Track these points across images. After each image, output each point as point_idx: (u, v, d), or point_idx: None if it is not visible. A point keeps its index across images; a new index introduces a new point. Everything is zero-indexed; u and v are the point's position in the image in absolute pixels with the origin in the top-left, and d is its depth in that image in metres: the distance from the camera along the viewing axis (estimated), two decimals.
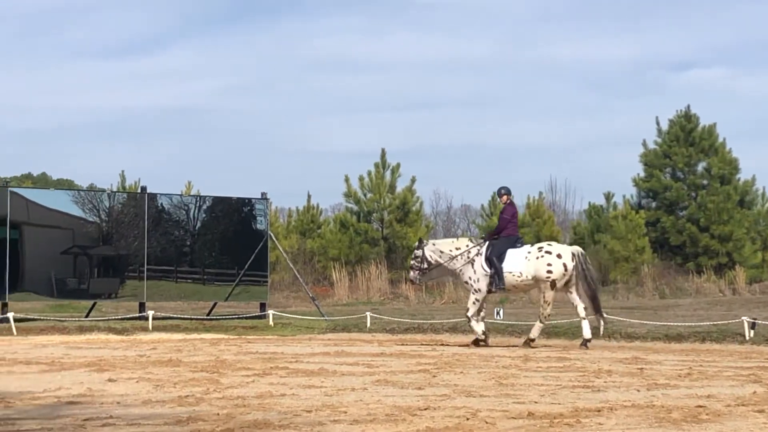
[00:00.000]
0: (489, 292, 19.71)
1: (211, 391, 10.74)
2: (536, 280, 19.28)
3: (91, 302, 26.91)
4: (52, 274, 25.46)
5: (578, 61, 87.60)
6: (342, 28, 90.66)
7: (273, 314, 27.03)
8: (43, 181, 61.36)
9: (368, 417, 8.68)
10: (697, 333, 20.26)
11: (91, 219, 26.17)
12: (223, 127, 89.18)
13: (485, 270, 19.43)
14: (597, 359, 15.63)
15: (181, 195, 30.49)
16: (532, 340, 19.07)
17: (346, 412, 8.99)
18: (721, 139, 42.45)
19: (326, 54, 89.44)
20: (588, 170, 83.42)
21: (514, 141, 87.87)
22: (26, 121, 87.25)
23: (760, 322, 19.82)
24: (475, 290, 19.57)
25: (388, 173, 42.42)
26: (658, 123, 43.20)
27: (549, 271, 19.04)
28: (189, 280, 27.48)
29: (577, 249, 19.76)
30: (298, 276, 32.01)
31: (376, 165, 42.47)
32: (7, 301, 24.71)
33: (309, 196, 45.23)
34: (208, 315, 27.34)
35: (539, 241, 31.08)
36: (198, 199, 28.75)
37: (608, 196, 44.09)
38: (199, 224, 27.72)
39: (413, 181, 42.53)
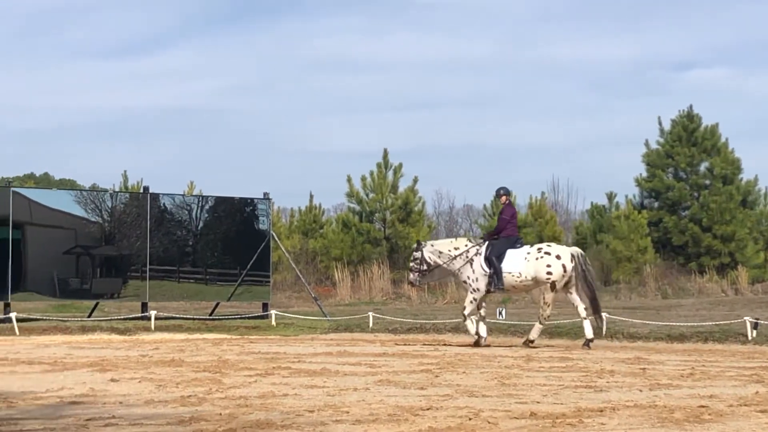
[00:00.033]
0: (488, 292, 19.73)
1: (214, 391, 10.75)
2: (536, 281, 19.30)
3: (94, 302, 26.91)
4: (55, 274, 25.47)
5: (580, 61, 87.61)
6: (343, 28, 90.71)
7: (275, 314, 27.03)
8: (45, 181, 61.38)
9: (370, 417, 8.68)
10: (700, 333, 20.26)
11: (93, 219, 26.18)
12: (226, 127, 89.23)
13: (484, 270, 19.45)
14: (599, 359, 15.63)
15: (183, 195, 30.49)
16: (532, 341, 19.07)
17: (348, 412, 9.00)
18: (723, 139, 42.45)
19: (328, 54, 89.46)
20: (590, 170, 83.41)
21: (517, 141, 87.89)
22: (29, 121, 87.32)
23: (762, 322, 19.81)
24: (473, 290, 19.61)
25: (390, 173, 42.43)
26: (660, 123, 43.22)
27: (549, 273, 19.05)
28: (191, 280, 27.48)
29: (576, 250, 19.78)
30: (301, 276, 32.01)
31: (379, 165, 42.47)
32: (9, 301, 24.71)
33: (311, 196, 45.25)
34: (210, 315, 27.34)
35: (542, 241, 31.08)
36: (200, 199, 28.75)
37: (610, 196, 44.09)
38: (201, 224, 27.72)
39: (415, 181, 42.58)
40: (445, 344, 19.98)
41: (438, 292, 35.66)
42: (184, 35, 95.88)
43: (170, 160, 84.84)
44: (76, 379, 12.23)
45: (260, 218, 28.43)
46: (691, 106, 42.71)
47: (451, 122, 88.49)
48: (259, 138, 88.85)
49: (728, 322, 21.02)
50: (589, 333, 19.01)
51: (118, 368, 13.87)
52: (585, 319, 19.14)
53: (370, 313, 25.49)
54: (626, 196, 43.49)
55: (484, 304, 19.96)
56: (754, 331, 19.43)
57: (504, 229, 19.85)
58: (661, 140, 43.01)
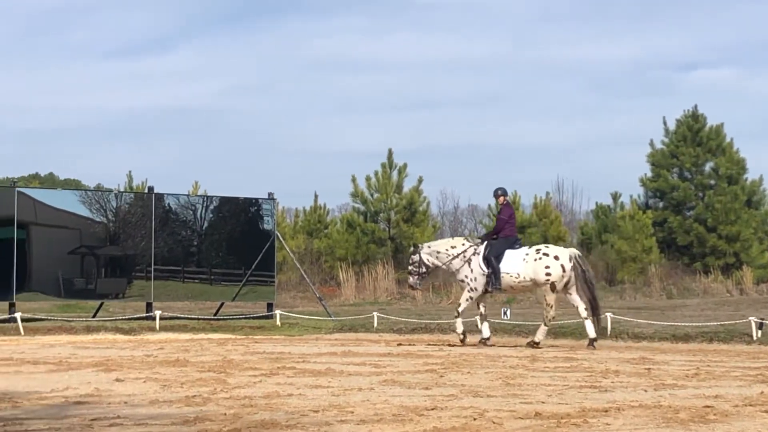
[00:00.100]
0: (485, 292, 19.76)
1: (218, 391, 10.75)
2: (534, 283, 19.32)
3: (99, 302, 26.94)
4: (60, 274, 25.49)
5: (584, 61, 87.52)
6: (346, 28, 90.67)
7: (280, 314, 27.04)
8: (50, 182, 61.42)
9: (375, 417, 8.68)
10: (705, 333, 20.25)
11: (98, 219, 26.20)
12: (230, 128, 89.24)
13: (483, 269, 19.48)
14: (604, 359, 15.62)
15: (188, 195, 30.49)
16: (537, 343, 19.06)
17: (353, 412, 8.99)
18: (728, 139, 42.45)
19: (332, 53, 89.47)
20: (595, 170, 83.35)
21: (521, 141, 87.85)
22: (33, 121, 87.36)
23: (767, 322, 19.79)
24: (470, 289, 19.65)
25: (395, 173, 42.43)
26: (665, 123, 43.23)
27: (547, 273, 19.08)
28: (196, 280, 27.49)
29: (573, 251, 19.83)
30: (305, 276, 32.01)
31: (383, 165, 42.48)
32: (14, 301, 24.75)
33: (316, 196, 45.28)
34: (215, 315, 27.35)
35: (546, 241, 31.09)
36: (205, 199, 28.76)
37: (615, 196, 44.11)
38: (206, 224, 27.73)
39: (420, 181, 42.58)
40: (449, 344, 19.98)
41: (443, 293, 35.67)
42: (189, 35, 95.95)
43: (175, 160, 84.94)
44: (80, 379, 12.24)
45: (265, 218, 28.45)
46: (696, 106, 42.76)
47: (456, 122, 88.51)
48: (264, 138, 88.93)
49: (733, 322, 21.01)
50: (591, 333, 19.02)
51: (122, 368, 13.88)
52: (586, 319, 19.16)
53: (375, 313, 25.49)
54: (631, 196, 43.55)
55: (482, 305, 19.98)
56: (759, 331, 19.42)
57: (502, 229, 19.88)
58: (666, 140, 43.01)
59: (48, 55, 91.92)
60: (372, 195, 42.40)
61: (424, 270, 20.26)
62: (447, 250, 20.04)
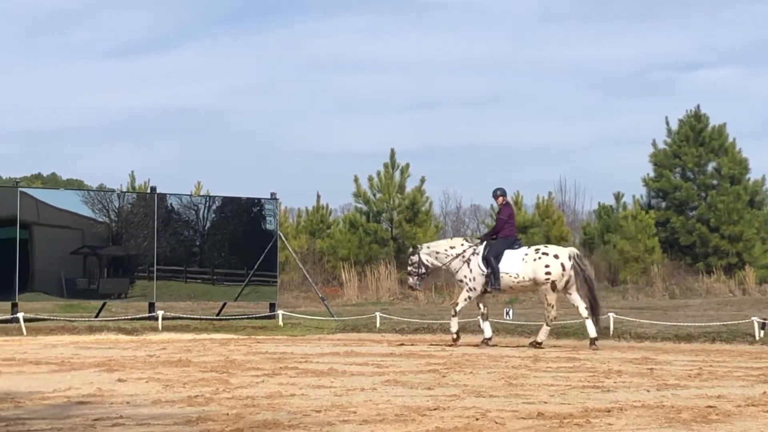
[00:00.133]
0: (484, 292, 19.77)
1: (221, 391, 10.75)
2: (534, 282, 19.32)
3: (101, 302, 26.94)
4: (62, 274, 25.50)
5: (586, 61, 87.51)
6: (348, 28, 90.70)
7: (282, 314, 27.04)
8: (52, 182, 61.43)
9: (378, 417, 8.68)
10: (707, 333, 20.24)
11: (100, 219, 26.20)
12: (233, 128, 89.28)
13: (482, 269, 19.49)
14: (607, 359, 15.62)
15: (190, 195, 30.51)
16: (540, 344, 19.06)
17: (355, 412, 8.99)
18: (731, 139, 42.42)
19: (334, 54, 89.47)
20: (597, 170, 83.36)
21: (524, 141, 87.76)
22: (36, 121, 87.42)
23: None
24: (469, 288, 19.68)
25: (397, 173, 42.42)
26: (667, 123, 43.19)
27: (547, 273, 19.09)
28: (198, 280, 27.50)
29: (573, 250, 19.86)
30: (308, 276, 32.01)
31: (386, 165, 42.46)
32: (17, 301, 24.75)
33: (318, 196, 45.26)
34: (217, 315, 27.35)
35: (549, 241, 31.07)
36: (207, 199, 28.77)
37: (618, 197, 44.05)
38: (208, 224, 27.74)
39: (423, 181, 42.56)
40: (452, 344, 19.97)
41: (445, 293, 35.66)
42: (190, 35, 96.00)
43: (177, 160, 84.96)
44: (83, 379, 12.24)
45: (267, 218, 28.44)
46: (698, 106, 42.71)
47: (459, 122, 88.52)
48: (267, 138, 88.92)
49: (736, 322, 20.99)
50: (592, 332, 19.04)
51: (125, 368, 13.89)
52: (587, 319, 19.18)
53: (377, 314, 25.49)
54: (633, 196, 43.50)
55: (483, 305, 19.99)
56: (762, 332, 19.40)
57: (502, 229, 19.89)
58: (669, 140, 42.98)
59: (50, 55, 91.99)
60: (374, 195, 42.39)
61: (423, 270, 20.27)
62: (446, 250, 20.05)
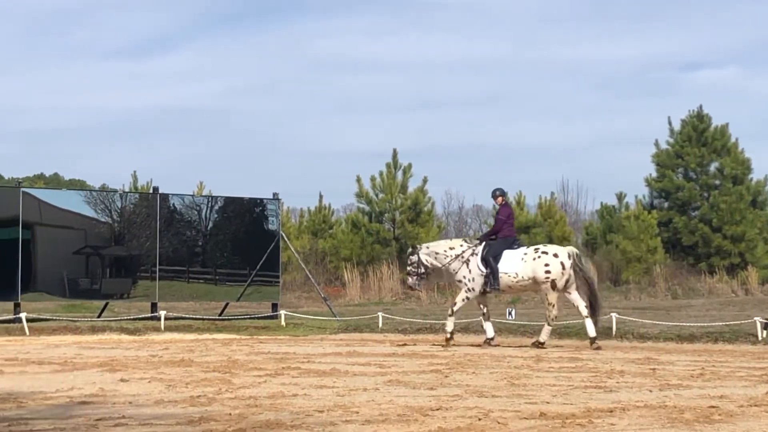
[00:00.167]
0: (484, 292, 19.78)
1: (223, 392, 10.76)
2: (534, 282, 19.32)
3: (104, 302, 26.95)
4: (65, 275, 25.51)
5: (589, 61, 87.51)
6: (351, 29, 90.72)
7: (285, 314, 27.04)
8: (55, 182, 61.44)
9: (380, 417, 8.68)
10: (710, 333, 20.23)
11: (103, 219, 26.21)
12: (235, 128, 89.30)
13: (481, 270, 19.50)
14: (609, 359, 15.62)
15: (192, 195, 30.51)
16: (542, 343, 19.05)
17: (358, 413, 9.00)
18: (733, 140, 42.37)
19: (339, 54, 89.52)
20: (600, 170, 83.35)
21: (526, 141, 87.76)
22: (38, 121, 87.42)
23: None
24: (468, 289, 19.68)
25: (399, 173, 42.41)
26: (670, 123, 43.15)
27: (547, 272, 19.11)
28: (201, 281, 27.51)
29: (572, 249, 19.88)
30: (310, 276, 32.01)
31: (388, 165, 42.45)
32: (19, 301, 24.75)
33: (321, 197, 45.22)
34: (220, 315, 27.36)
35: (551, 241, 31.06)
36: (210, 199, 28.77)
37: (620, 197, 44.02)
38: (210, 224, 27.74)
39: (425, 181, 42.54)
40: (454, 344, 19.97)
41: (447, 293, 35.64)
42: (193, 35, 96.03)
43: (180, 160, 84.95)
44: (85, 379, 12.25)
45: (270, 218, 28.45)
46: (701, 106, 42.67)
47: (461, 123, 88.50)
48: (269, 138, 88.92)
49: (738, 322, 20.99)
50: (591, 332, 19.05)
51: (127, 368, 13.89)
52: (587, 318, 19.19)
53: (380, 314, 25.49)
54: (636, 197, 43.47)
55: (484, 305, 20.01)
56: (765, 332, 19.40)
57: (501, 229, 19.90)
58: (671, 140, 42.95)
59: (53, 55, 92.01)
60: (377, 195, 42.38)
61: (423, 270, 20.27)
62: (446, 251, 20.05)
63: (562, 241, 38.03)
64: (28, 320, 23.63)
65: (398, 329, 24.18)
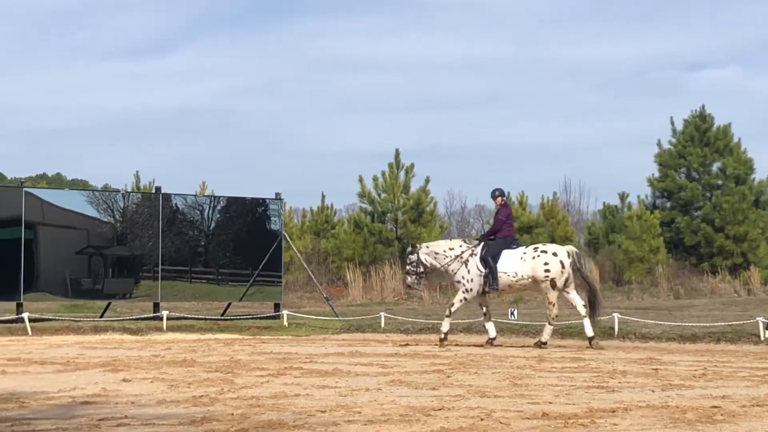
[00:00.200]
0: (483, 292, 19.77)
1: (226, 392, 10.76)
2: (534, 281, 19.33)
3: (106, 302, 26.96)
4: (67, 275, 25.52)
5: (591, 61, 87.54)
6: (357, 29, 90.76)
7: (287, 314, 27.04)
8: (57, 182, 61.48)
9: (382, 417, 8.68)
10: (712, 333, 20.22)
11: (105, 219, 26.22)
12: (237, 128, 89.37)
13: (480, 270, 19.51)
14: (611, 360, 15.62)
15: (195, 195, 30.50)
16: (544, 343, 19.06)
17: (360, 413, 9.00)
18: (736, 139, 42.37)
19: (341, 55, 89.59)
20: (602, 170, 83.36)
21: (528, 141, 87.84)
22: (41, 121, 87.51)
23: None
24: (466, 290, 19.69)
25: (402, 173, 42.42)
26: (672, 123, 43.17)
27: (546, 270, 19.13)
28: (203, 281, 27.51)
29: (571, 248, 19.92)
30: (312, 276, 32.02)
31: (390, 165, 42.46)
32: (22, 301, 24.77)
33: (323, 197, 45.25)
34: (222, 315, 27.36)
35: (554, 241, 31.04)
36: (212, 199, 28.77)
37: (623, 197, 44.04)
38: (213, 224, 27.74)
39: (427, 181, 42.56)
40: (457, 344, 19.98)
41: (449, 292, 35.62)
42: (195, 36, 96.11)
43: (182, 160, 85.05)
44: (88, 379, 12.25)
45: (272, 218, 28.46)
46: (703, 106, 42.68)
47: (463, 123, 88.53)
48: (271, 138, 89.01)
49: (741, 322, 20.98)
50: (589, 331, 19.09)
51: (130, 368, 13.90)
52: (585, 317, 19.21)
53: (382, 314, 25.49)
54: (638, 197, 43.50)
55: (485, 306, 20.03)
56: (767, 332, 19.39)
57: (500, 229, 19.90)
58: (674, 140, 42.96)
59: (56, 55, 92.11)
60: (379, 195, 42.40)
61: (422, 270, 20.27)
62: (445, 251, 20.05)
63: (565, 241, 38.01)
64: (31, 320, 23.64)
65: (400, 329, 24.18)
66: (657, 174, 43.07)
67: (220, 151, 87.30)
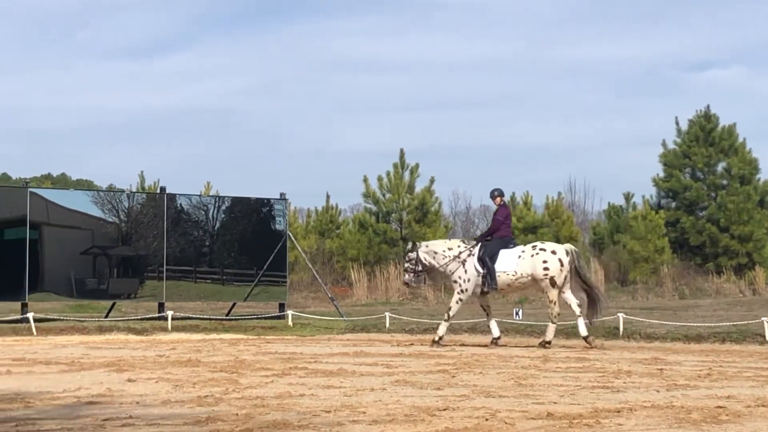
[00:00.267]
0: (482, 293, 19.77)
1: (230, 392, 10.76)
2: (533, 279, 19.34)
3: (111, 302, 26.97)
4: (72, 275, 25.53)
5: (597, 61, 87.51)
6: (363, 29, 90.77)
7: (292, 314, 27.04)
8: (62, 182, 61.54)
9: (387, 417, 8.68)
10: (717, 333, 20.20)
11: (110, 219, 26.24)
12: (242, 128, 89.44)
13: (478, 270, 19.51)
14: (616, 360, 15.61)
15: (200, 195, 30.52)
16: (548, 342, 19.06)
17: (365, 413, 8.99)
18: (740, 139, 42.38)
19: (346, 54, 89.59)
20: (607, 170, 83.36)
21: (533, 141, 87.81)
22: (46, 121, 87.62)
23: None
24: (461, 290, 19.67)
25: (406, 173, 42.42)
26: (677, 123, 43.17)
27: (545, 268, 19.14)
28: (208, 281, 27.51)
29: (569, 246, 19.91)
30: (317, 276, 32.02)
31: (395, 165, 42.47)
32: (27, 301, 24.78)
33: (328, 197, 45.29)
34: (227, 315, 27.37)
35: (558, 241, 31.03)
36: (217, 199, 28.78)
37: (628, 197, 44.03)
38: (218, 225, 27.75)
39: (432, 181, 42.56)
40: (461, 344, 19.97)
41: (452, 293, 35.63)
42: (201, 35, 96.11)
43: (187, 160, 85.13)
44: (93, 380, 12.26)
45: (277, 218, 28.46)
46: (708, 106, 42.70)
47: (468, 123, 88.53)
48: (276, 138, 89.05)
49: (746, 322, 20.95)
50: (583, 331, 19.12)
51: (135, 368, 13.90)
52: (579, 317, 19.21)
53: (387, 314, 25.48)
54: (643, 197, 43.49)
55: (486, 306, 20.03)
56: None
57: (498, 229, 19.91)
58: (679, 140, 42.95)
59: (62, 55, 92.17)
60: (384, 195, 42.40)
61: (420, 268, 20.28)
62: (444, 251, 20.05)
63: (569, 241, 37.99)
64: (36, 320, 23.65)
65: (405, 329, 24.17)
66: (662, 174, 43.07)
67: (225, 151, 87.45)
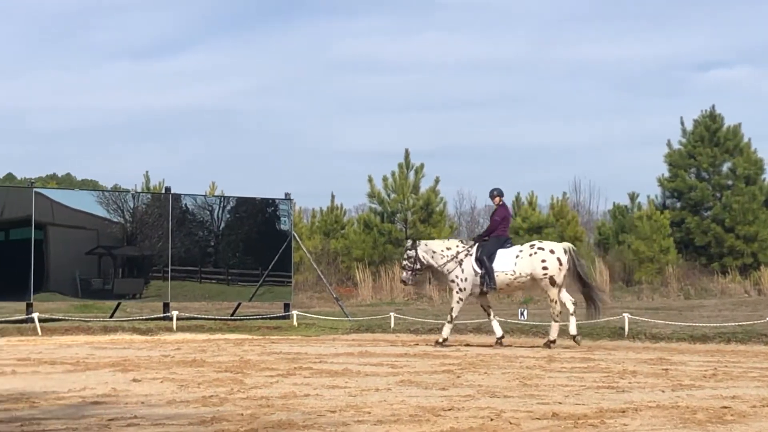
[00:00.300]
0: (482, 293, 19.76)
1: (235, 392, 10.76)
2: (532, 278, 19.35)
3: (116, 302, 26.99)
4: (77, 275, 25.55)
5: (603, 61, 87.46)
6: (367, 29, 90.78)
7: (297, 314, 27.05)
8: (67, 182, 61.60)
9: (392, 417, 8.68)
10: (722, 334, 20.18)
11: (115, 219, 26.25)
12: (248, 128, 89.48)
13: (476, 270, 19.52)
14: (621, 360, 15.60)
15: (205, 195, 30.52)
16: (553, 342, 19.08)
17: (370, 413, 8.99)
18: (746, 140, 42.30)
19: (350, 55, 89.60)
20: (612, 171, 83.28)
21: (538, 141, 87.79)
22: (51, 121, 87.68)
23: None
24: (459, 290, 19.68)
25: (411, 174, 42.41)
26: (682, 123, 43.11)
27: (544, 267, 19.17)
28: (213, 281, 27.52)
29: (568, 245, 19.91)
30: (322, 276, 32.02)
31: (400, 165, 42.46)
32: (32, 301, 24.80)
33: (333, 197, 45.25)
34: (232, 315, 27.38)
35: (563, 241, 30.97)
36: (222, 199, 28.79)
37: (633, 197, 44.00)
38: (223, 225, 27.76)
39: (437, 181, 42.55)
40: (466, 345, 19.97)
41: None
42: (209, 36, 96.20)
43: (192, 160, 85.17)
44: (98, 379, 12.27)
45: (282, 219, 28.46)
46: (713, 106, 42.62)
47: (473, 123, 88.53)
48: (281, 139, 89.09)
49: (751, 322, 20.94)
50: (573, 329, 19.20)
51: (140, 368, 13.91)
52: (571, 315, 19.24)
53: (392, 314, 25.48)
54: (648, 197, 43.45)
55: (487, 305, 20.04)
56: None
57: (495, 230, 19.93)
58: (684, 140, 42.90)
59: (69, 56, 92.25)
60: (389, 195, 42.39)
61: (418, 267, 20.29)
62: (442, 251, 20.06)
63: (574, 241, 37.96)
64: (41, 320, 23.68)
65: (410, 329, 24.17)
66: (667, 174, 43.02)
67: (230, 152, 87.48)
